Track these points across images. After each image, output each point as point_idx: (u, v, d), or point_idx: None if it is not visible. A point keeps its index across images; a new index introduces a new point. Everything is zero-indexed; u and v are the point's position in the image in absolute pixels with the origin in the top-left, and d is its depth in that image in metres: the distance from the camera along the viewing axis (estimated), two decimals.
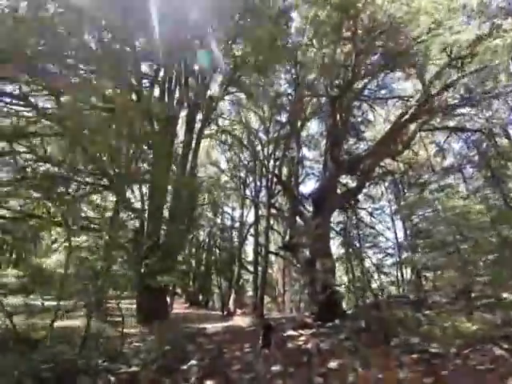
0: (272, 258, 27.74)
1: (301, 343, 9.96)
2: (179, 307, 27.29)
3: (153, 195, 14.41)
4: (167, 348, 9.56)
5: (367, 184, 15.70)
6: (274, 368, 7.58)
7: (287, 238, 14.23)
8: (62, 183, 15.03)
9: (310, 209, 13.47)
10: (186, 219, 14.61)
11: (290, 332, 11.63)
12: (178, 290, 33.44)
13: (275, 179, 16.16)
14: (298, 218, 14.21)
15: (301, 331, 11.51)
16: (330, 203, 12.27)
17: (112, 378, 6.75)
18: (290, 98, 19.78)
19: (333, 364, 7.49)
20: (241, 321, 17.73)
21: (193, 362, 8.18)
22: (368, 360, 7.23)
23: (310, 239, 12.25)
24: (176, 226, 13.89)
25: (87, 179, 13.91)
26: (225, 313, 20.52)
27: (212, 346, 10.57)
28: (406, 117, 12.97)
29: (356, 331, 9.66)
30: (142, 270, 12.47)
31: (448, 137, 15.63)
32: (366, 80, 14.86)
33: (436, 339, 7.59)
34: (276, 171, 16.03)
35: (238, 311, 23.41)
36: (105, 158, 16.37)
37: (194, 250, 33.92)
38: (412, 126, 14.54)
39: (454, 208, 10.06)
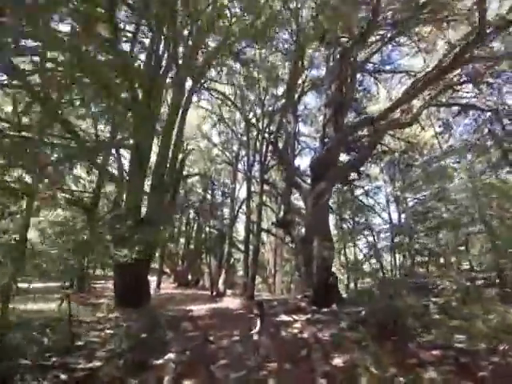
0: (264, 236, 26.36)
1: (296, 331, 8.60)
2: (167, 287, 25.96)
3: (133, 163, 12.60)
4: (142, 336, 8.06)
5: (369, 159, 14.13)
6: (267, 364, 6.13)
7: (281, 213, 12.69)
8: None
9: (308, 181, 11.93)
10: (170, 190, 12.89)
11: (283, 317, 10.28)
12: (167, 270, 32.15)
13: (270, 147, 14.39)
14: (293, 193, 12.74)
15: (294, 316, 10.18)
16: (331, 174, 10.72)
17: (63, 376, 5.20)
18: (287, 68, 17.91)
19: (338, 360, 6.08)
20: (230, 302, 16.41)
21: (170, 355, 6.69)
22: (380, 357, 5.82)
23: (307, 214, 10.73)
24: (159, 197, 12.18)
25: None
26: (214, 293, 19.16)
27: (196, 333, 9.13)
28: (418, 86, 11.26)
29: (358, 320, 8.28)
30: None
31: (458, 113, 14.06)
32: (375, 45, 13.06)
33: (462, 332, 6.21)
34: (272, 139, 14.29)
35: (228, 292, 22.13)
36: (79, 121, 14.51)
37: (182, 227, 32.46)
38: (419, 101, 12.93)
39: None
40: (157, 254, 35.62)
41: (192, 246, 30.42)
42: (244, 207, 21.36)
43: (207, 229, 26.93)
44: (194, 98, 18.08)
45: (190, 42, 15.54)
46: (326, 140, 13.51)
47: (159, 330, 9.17)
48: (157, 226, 11.75)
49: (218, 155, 23.41)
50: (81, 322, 9.37)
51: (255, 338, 6.63)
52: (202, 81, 18.18)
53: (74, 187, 15.93)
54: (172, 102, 14.16)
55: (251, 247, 18.73)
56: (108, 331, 8.63)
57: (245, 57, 18.32)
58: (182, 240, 32.13)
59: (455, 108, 13.99)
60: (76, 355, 6.23)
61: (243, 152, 21.65)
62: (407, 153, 16.03)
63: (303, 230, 11.78)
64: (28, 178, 12.91)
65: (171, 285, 28.36)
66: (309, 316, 9.87)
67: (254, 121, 20.72)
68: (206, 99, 20.52)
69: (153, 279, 25.26)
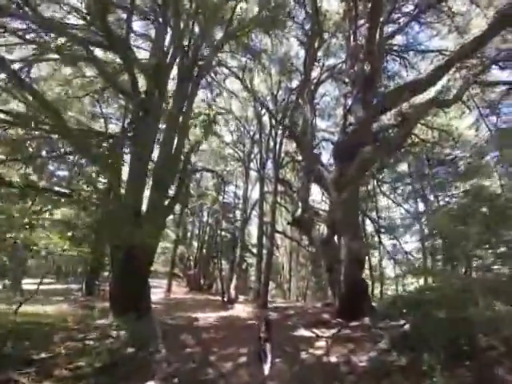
0: (278, 240, 24.27)
1: (320, 353, 6.52)
2: (179, 291, 24.20)
3: (135, 156, 10.97)
4: (127, 352, 6.23)
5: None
6: None
7: (298, 211, 10.66)
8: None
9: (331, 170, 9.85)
10: (172, 185, 11.14)
11: (302, 331, 8.21)
12: (180, 274, 30.46)
13: (286, 133, 12.34)
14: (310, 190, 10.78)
15: (316, 331, 8.09)
16: (360, 159, 8.63)
17: None
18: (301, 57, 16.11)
19: None
20: (242, 310, 14.43)
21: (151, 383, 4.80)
22: None
23: (330, 210, 8.70)
24: (160, 193, 10.44)
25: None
26: (225, 299, 17.22)
27: (196, 349, 7.22)
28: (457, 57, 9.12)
29: (402, 336, 6.14)
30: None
31: (507, 93, 11.58)
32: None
33: None
34: (287, 124, 12.34)
35: (241, 297, 20.12)
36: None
37: (196, 230, 30.81)
38: (459, 79, 10.77)
39: None
40: (165, 257, 34.21)
41: (205, 250, 28.63)
42: (257, 208, 19.48)
43: (220, 232, 25.19)
44: (205, 95, 16.42)
45: (197, 30, 13.98)
46: (348, 129, 11.55)
47: (152, 343, 7.31)
48: (156, 222, 10.01)
49: (229, 154, 21.65)
50: (66, 328, 7.67)
51: (265, 368, 4.63)
52: (212, 75, 16.60)
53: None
54: (176, 93, 12.49)
55: (264, 251, 16.76)
56: (89, 342, 6.84)
57: (255, 47, 16.60)
58: (196, 243, 30.44)
59: (502, 88, 11.62)
60: (27, 372, 4.46)
61: (256, 150, 19.83)
62: (440, 144, 13.62)
63: (325, 230, 9.74)
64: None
65: (184, 289, 26.56)
66: (334, 331, 7.78)
67: (266, 117, 18.97)
68: (216, 94, 18.85)
69: (164, 283, 23.75)
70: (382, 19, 9.54)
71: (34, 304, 11.64)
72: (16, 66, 11.23)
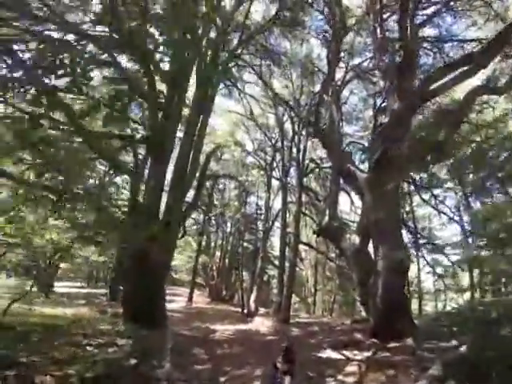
0: (303, 252, 22.84)
1: (352, 380, 5.26)
2: (201, 301, 23.30)
3: (154, 161, 10.41)
4: (126, 364, 5.34)
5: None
6: None
7: (326, 219, 9.44)
8: None
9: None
10: (193, 189, 10.40)
11: (329, 353, 6.93)
12: (203, 283, 29.62)
13: (312, 132, 11.18)
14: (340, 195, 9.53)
15: (346, 352, 6.77)
16: (402, 158, 7.32)
17: None
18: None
19: None
20: (261, 323, 13.22)
21: None
22: None
23: (364, 214, 7.45)
24: (177, 198, 9.71)
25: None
26: (245, 311, 16.06)
27: (206, 366, 6.18)
28: None
29: (458, 361, 4.78)
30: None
31: None
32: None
33: None
34: (312, 120, 11.25)
35: (261, 310, 18.83)
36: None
37: (219, 241, 30.03)
38: None
39: None
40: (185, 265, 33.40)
41: (227, 260, 27.68)
42: (279, 218, 18.37)
43: (242, 243, 24.23)
44: (226, 102, 15.89)
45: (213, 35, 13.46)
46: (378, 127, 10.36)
47: (159, 355, 6.37)
48: (174, 226, 9.27)
49: (251, 162, 20.88)
50: (70, 332, 6.98)
51: None
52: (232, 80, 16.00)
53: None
54: (195, 97, 11.89)
55: (287, 263, 15.51)
56: (90, 349, 6.04)
57: (276, 50, 15.88)
58: (219, 253, 29.63)
59: None
60: (5, 375, 3.71)
61: (278, 157, 18.87)
62: (487, 143, 11.78)
63: (356, 240, 8.44)
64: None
65: (206, 299, 25.66)
66: (369, 354, 6.44)
67: (288, 124, 18.02)
68: (236, 100, 18.24)
69: (187, 291, 22.89)
70: (411, 6, 8.41)
71: (55, 306, 11.32)
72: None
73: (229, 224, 29.07)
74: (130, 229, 9.08)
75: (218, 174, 18.61)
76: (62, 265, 26.79)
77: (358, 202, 18.09)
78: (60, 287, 20.36)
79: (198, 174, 11.08)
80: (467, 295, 15.74)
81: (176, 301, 20.85)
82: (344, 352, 6.81)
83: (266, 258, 19.46)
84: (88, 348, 6.09)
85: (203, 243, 30.37)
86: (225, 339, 9.18)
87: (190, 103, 12.25)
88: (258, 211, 24.49)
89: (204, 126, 11.40)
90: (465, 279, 17.76)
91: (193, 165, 10.38)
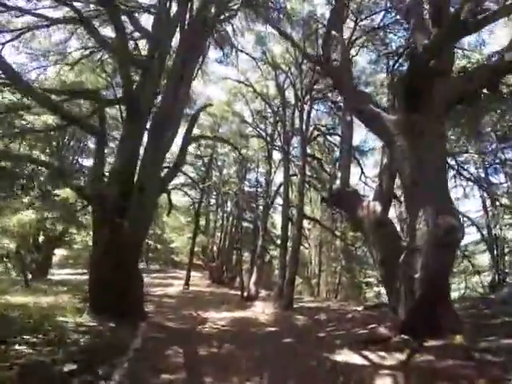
0: (306, 229, 20.89)
1: None
2: (200, 284, 21.77)
3: (129, 121, 8.36)
4: (64, 369, 3.57)
5: None
6: None
7: (337, 183, 7.41)
8: None
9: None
10: (168, 151, 8.33)
11: (346, 354, 5.09)
12: (202, 264, 28.16)
13: (317, 68, 8.76)
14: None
15: (369, 354, 4.94)
16: (442, 89, 5.16)
17: None
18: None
19: None
20: (262, 309, 11.51)
21: None
22: None
23: (402, 170, 5.23)
24: (154, 159, 7.69)
25: None
26: (244, 295, 14.39)
27: (176, 377, 4.37)
28: None
29: None
30: None
31: None
32: None
33: None
34: (318, 55, 8.94)
35: (263, 292, 17.17)
36: None
37: (220, 221, 28.29)
38: None
39: None
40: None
41: (228, 241, 25.98)
42: (281, 192, 16.38)
43: (241, 222, 22.44)
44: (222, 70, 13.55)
45: None
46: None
47: (116, 359, 4.58)
48: (149, 192, 7.32)
49: (251, 133, 18.68)
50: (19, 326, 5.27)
51: None
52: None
53: None
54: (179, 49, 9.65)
55: (290, 242, 13.67)
56: (23, 348, 4.25)
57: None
58: (219, 234, 27.99)
59: None
60: None
61: (279, 128, 16.62)
62: None
63: (377, 207, 6.41)
64: None
65: (207, 281, 24.17)
66: (403, 356, 4.59)
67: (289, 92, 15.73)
68: (233, 65, 15.87)
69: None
70: None
71: (33, 294, 9.65)
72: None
73: (229, 203, 27.25)
74: (96, 198, 7.20)
75: (206, 135, 16.30)
76: (64, 252, 25.56)
77: (370, 172, 16.11)
78: (59, 275, 18.89)
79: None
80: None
81: (175, 285, 19.28)
82: (366, 353, 4.96)
83: (267, 236, 17.63)
84: (17, 347, 4.31)
85: (202, 223, 28.93)
86: (216, 331, 7.44)
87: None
88: (259, 188, 22.51)
89: (189, 77, 9.24)
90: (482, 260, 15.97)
91: (174, 122, 8.30)
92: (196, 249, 29.25)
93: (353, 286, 21.51)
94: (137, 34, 11.75)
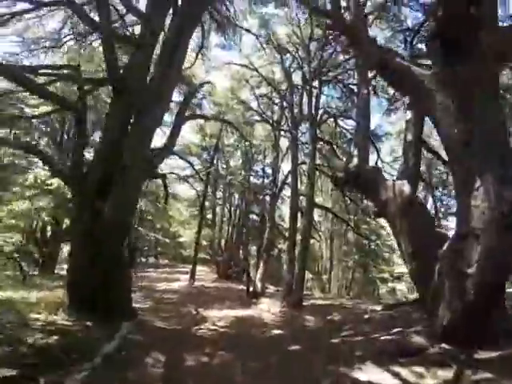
0: (316, 220, 19.54)
1: None
2: (207, 279, 20.75)
3: (115, 99, 7.29)
4: None
5: None
6: None
7: (354, 161, 6.14)
8: None
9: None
10: (155, 129, 7.22)
11: (372, 372, 3.89)
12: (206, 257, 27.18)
13: (331, 23, 7.41)
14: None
15: (401, 371, 3.73)
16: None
17: None
18: None
19: None
20: (268, 307, 10.41)
21: None
22: None
23: (449, 132, 3.86)
24: (140, 137, 6.61)
25: None
26: (250, 290, 13.29)
27: None
28: None
29: None
30: None
31: None
32: None
33: None
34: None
35: (270, 288, 16.06)
36: None
37: (228, 213, 27.21)
38: None
39: None
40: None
41: (235, 235, 24.86)
42: (289, 181, 15.10)
43: (247, 214, 21.33)
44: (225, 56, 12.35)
45: None
46: None
47: (74, 368, 3.56)
48: (133, 173, 6.26)
49: (255, 120, 17.39)
50: None
51: None
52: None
53: None
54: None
55: (299, 236, 12.40)
56: None
57: None
58: (227, 228, 26.94)
59: None
60: None
61: (287, 113, 15.30)
62: None
63: (405, 187, 5.13)
64: None
65: (213, 276, 23.16)
66: (448, 374, 3.40)
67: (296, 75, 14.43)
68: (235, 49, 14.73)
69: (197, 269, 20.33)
70: None
71: (26, 289, 8.73)
72: None
73: (236, 196, 26.11)
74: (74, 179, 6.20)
75: (203, 114, 14.97)
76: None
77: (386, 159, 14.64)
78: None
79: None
80: None
81: (181, 280, 18.31)
82: (397, 369, 3.78)
83: (275, 229, 16.42)
84: None
85: (210, 217, 27.95)
86: (212, 334, 6.34)
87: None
88: (265, 179, 21.29)
89: (184, 49, 8.06)
90: None
91: (164, 98, 7.18)
92: (204, 243, 28.67)
93: (366, 282, 20.18)
94: (133, 19, 10.70)
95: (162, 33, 8.34)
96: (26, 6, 8.20)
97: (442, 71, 4.18)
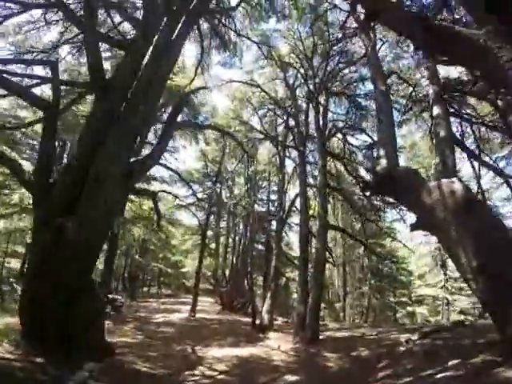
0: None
1: None
2: (209, 311, 18.82)
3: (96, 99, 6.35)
4: None
5: None
6: None
7: (383, 162, 4.93)
8: None
9: None
10: (137, 138, 6.12)
11: None
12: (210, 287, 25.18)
13: None
14: None
15: None
16: None
17: None
18: None
19: None
20: (277, 342, 8.66)
21: None
22: None
23: None
24: (118, 146, 5.48)
25: None
26: (256, 323, 11.48)
27: None
28: None
29: None
30: None
31: None
32: None
33: None
34: None
35: (278, 319, 14.09)
36: None
37: (232, 242, 25.58)
38: None
39: None
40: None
41: (239, 265, 23.05)
42: (297, 205, 13.79)
43: (252, 243, 19.73)
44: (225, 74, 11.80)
45: None
46: None
47: None
48: (107, 186, 5.05)
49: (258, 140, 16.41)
50: None
51: None
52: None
53: None
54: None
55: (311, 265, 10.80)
56: None
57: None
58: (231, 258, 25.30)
59: None
60: None
61: (292, 128, 14.30)
62: None
63: (457, 187, 3.81)
64: None
65: (217, 308, 21.14)
66: None
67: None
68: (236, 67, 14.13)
69: (200, 300, 18.41)
70: None
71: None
72: None
73: (241, 225, 24.67)
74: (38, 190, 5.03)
75: (201, 123, 13.76)
76: None
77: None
78: None
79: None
80: None
81: (181, 311, 16.45)
82: None
83: (282, 255, 14.82)
84: None
85: (213, 246, 26.36)
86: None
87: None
88: (271, 206, 19.99)
89: (176, 50, 7.23)
90: None
91: (147, 104, 6.17)
92: (208, 273, 26.84)
93: (383, 308, 18.13)
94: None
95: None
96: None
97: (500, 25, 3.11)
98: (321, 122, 11.82)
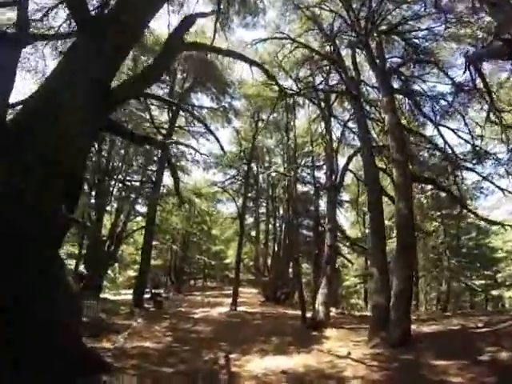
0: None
1: None
2: (254, 303, 16.70)
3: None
4: None
5: None
6: None
7: None
8: None
9: None
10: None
11: None
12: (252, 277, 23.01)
13: None
14: None
15: None
16: None
17: None
18: None
19: None
20: (341, 344, 5.97)
21: None
22: None
23: None
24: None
25: None
26: (306, 317, 8.85)
27: None
28: None
29: None
30: None
31: None
32: None
33: None
34: None
35: (332, 311, 11.04)
36: None
37: (270, 225, 23.14)
38: None
39: None
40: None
41: (282, 252, 20.50)
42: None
43: (298, 225, 17.04)
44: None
45: None
46: None
47: None
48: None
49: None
50: None
51: None
52: None
53: None
54: None
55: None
56: None
57: None
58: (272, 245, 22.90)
59: None
60: None
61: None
62: None
63: None
64: None
65: (260, 299, 19.02)
66: None
67: None
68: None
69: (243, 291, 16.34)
70: None
71: None
72: None
73: (281, 209, 22.49)
74: None
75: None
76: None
77: None
78: None
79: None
80: None
81: (224, 304, 14.43)
82: None
83: (337, 230, 11.81)
84: None
85: (253, 233, 24.24)
86: None
87: None
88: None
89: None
90: None
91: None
92: (251, 263, 24.91)
93: (462, 292, 14.47)
94: None
95: None
96: None
97: None
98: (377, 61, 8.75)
